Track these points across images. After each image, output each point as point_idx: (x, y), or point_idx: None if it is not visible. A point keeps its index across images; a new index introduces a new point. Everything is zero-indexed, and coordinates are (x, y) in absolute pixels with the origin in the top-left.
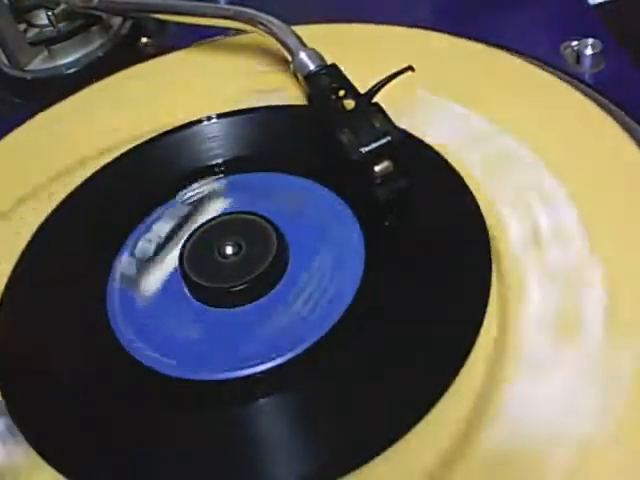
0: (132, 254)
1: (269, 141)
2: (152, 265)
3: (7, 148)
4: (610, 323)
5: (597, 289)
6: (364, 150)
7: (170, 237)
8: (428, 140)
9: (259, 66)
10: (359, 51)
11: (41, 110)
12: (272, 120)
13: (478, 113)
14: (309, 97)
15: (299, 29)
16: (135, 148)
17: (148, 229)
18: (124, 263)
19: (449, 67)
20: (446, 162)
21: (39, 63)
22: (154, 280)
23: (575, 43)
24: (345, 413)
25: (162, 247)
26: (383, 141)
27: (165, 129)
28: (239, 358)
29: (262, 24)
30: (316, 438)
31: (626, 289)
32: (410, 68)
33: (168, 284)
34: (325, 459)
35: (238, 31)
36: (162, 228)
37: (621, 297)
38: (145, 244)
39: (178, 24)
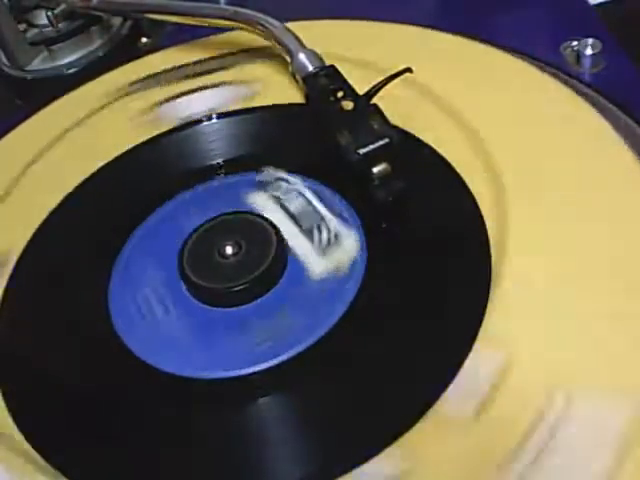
0: None
1: (269, 141)
2: None
3: (7, 147)
4: None
5: None
6: (362, 152)
7: None
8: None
9: (256, 64)
10: (358, 49)
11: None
12: (272, 120)
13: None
14: (307, 98)
15: (297, 25)
16: (135, 148)
17: None
18: None
19: (447, 66)
20: (446, 162)
21: (39, 63)
22: None
23: (575, 43)
24: (345, 413)
25: None
26: (381, 142)
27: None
28: (239, 357)
29: (261, 25)
30: (316, 438)
31: None
32: (409, 69)
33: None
34: (325, 459)
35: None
36: None
37: None
38: None
39: (176, 24)
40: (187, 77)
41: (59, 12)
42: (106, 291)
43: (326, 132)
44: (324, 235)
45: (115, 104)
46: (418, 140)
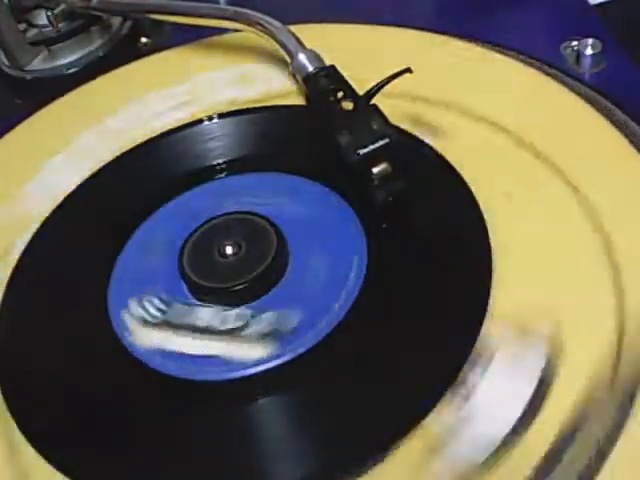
0: None
1: (269, 141)
2: None
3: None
4: None
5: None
6: (362, 152)
7: None
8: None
9: (257, 65)
10: (357, 51)
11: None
12: (272, 120)
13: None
14: (308, 98)
15: (297, 29)
16: (135, 148)
17: None
18: None
19: (447, 69)
20: (446, 162)
21: (39, 63)
22: None
23: (575, 43)
24: (345, 413)
25: None
26: (381, 143)
27: (161, 130)
28: (239, 358)
29: (261, 25)
30: (316, 438)
31: None
32: (408, 70)
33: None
34: (325, 459)
35: (237, 31)
36: None
37: None
38: None
39: (176, 24)
40: None
41: (59, 12)
42: (106, 291)
43: (326, 132)
44: None
45: None
46: (418, 139)
